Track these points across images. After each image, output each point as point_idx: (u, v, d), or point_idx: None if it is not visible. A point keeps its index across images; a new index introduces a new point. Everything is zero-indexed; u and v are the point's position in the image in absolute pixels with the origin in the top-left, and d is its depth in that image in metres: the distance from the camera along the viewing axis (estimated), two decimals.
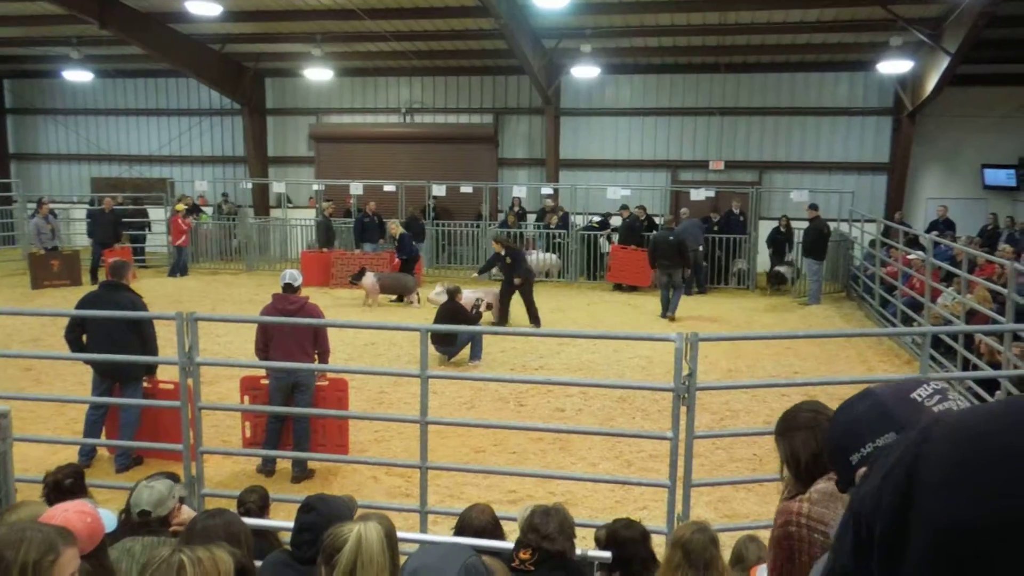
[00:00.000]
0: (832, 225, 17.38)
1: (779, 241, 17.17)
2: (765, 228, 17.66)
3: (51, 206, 17.72)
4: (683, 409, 4.55)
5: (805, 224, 15.82)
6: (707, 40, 18.12)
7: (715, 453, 7.51)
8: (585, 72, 18.69)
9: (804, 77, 19.35)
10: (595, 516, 5.66)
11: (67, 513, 2.39)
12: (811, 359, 11.20)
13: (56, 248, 16.95)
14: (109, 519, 2.81)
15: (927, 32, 15.62)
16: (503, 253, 13.18)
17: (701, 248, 16.49)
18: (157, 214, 19.93)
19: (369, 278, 14.42)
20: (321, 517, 2.82)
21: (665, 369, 9.59)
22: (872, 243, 15.22)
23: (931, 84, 16.54)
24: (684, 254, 13.97)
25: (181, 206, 18.41)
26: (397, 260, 15.47)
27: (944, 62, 15.59)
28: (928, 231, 15.74)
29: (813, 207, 15.86)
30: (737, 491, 6.63)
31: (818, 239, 15.33)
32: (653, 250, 14.14)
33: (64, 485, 3.78)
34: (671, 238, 13.92)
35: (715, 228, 17.65)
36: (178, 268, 17.81)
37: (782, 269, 16.64)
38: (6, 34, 19.50)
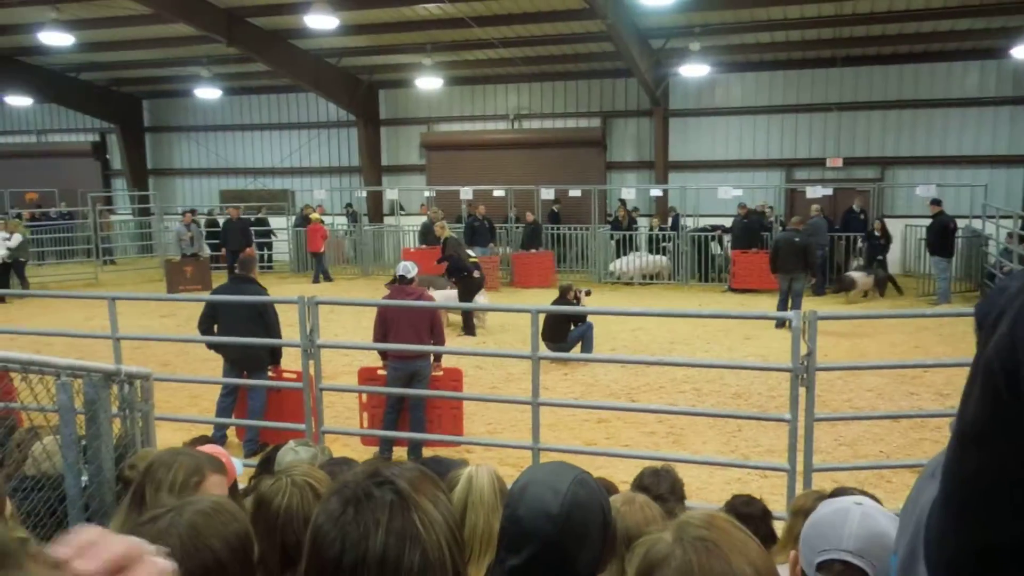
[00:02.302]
0: (964, 221, 16.49)
1: (874, 246, 16.20)
2: (889, 226, 16.84)
3: (192, 217, 18.98)
4: (802, 391, 4.39)
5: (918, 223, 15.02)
6: (822, 33, 17.52)
7: (838, 449, 7.21)
8: (694, 71, 18.37)
9: (929, 67, 18.37)
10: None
11: (204, 451, 2.55)
12: (944, 358, 10.58)
13: (196, 255, 18.04)
14: (239, 466, 2.97)
15: None
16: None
17: (826, 248, 15.84)
18: (279, 223, 20.91)
19: None
20: (437, 476, 2.89)
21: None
22: (1009, 237, 14.28)
23: None
24: (810, 258, 13.05)
25: (316, 215, 19.26)
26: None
27: None
28: None
29: (936, 202, 15.09)
30: (862, 487, 6.32)
31: (943, 235, 14.57)
32: (775, 253, 13.10)
33: None
34: (796, 239, 12.92)
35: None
36: (320, 273, 18.62)
37: (854, 274, 15.39)
38: (146, 56, 20.98)
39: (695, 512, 1.28)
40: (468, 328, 12.62)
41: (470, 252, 12.91)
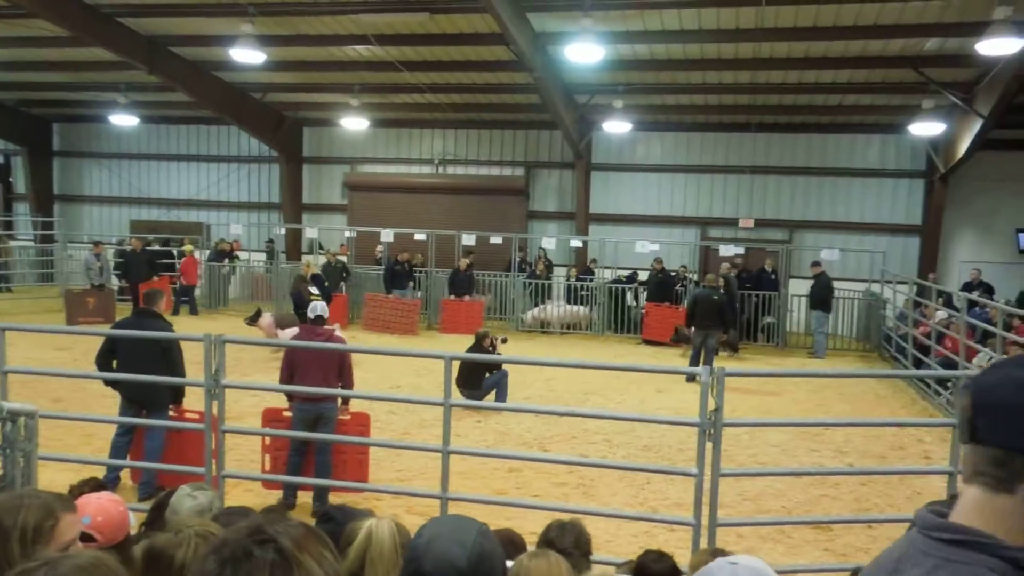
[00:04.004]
0: (863, 285, 17.36)
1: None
2: (796, 286, 17.55)
3: (104, 246, 18.47)
4: (708, 446, 4.46)
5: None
6: (739, 99, 18.33)
7: (742, 504, 7.34)
8: (617, 128, 18.91)
9: (836, 138, 19.40)
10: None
11: (100, 500, 2.39)
12: (843, 417, 10.97)
13: (103, 286, 17.33)
14: (131, 518, 2.81)
15: (959, 95, 15.66)
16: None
17: (736, 306, 16.32)
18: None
19: (266, 318, 14.15)
20: (339, 527, 2.79)
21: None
22: (906, 302, 15.06)
23: (964, 147, 16.50)
24: (727, 315, 13.49)
25: (189, 247, 19.22)
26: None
27: (977, 125, 15.59)
28: None
29: (816, 264, 16.44)
30: (764, 542, 6.45)
31: (826, 292, 15.94)
32: (692, 309, 13.37)
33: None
34: (715, 297, 13.25)
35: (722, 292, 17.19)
36: (183, 305, 18.44)
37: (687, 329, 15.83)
38: (59, 79, 20.29)
39: None
40: None
41: (313, 289, 13.15)
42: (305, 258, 16.87)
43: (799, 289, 17.43)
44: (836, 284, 16.71)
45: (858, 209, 19.40)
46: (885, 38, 13.96)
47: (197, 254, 19.67)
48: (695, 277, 18.35)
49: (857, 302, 17.46)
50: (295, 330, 13.08)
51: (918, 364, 12.92)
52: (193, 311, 18.55)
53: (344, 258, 19.28)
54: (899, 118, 17.85)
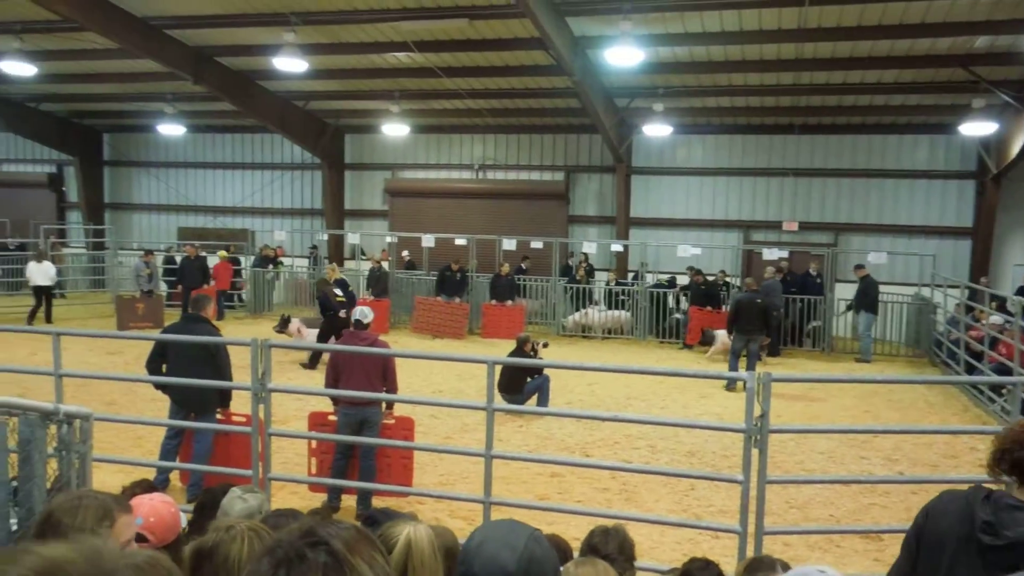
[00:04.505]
0: (913, 289, 16.98)
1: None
2: (841, 290, 17.24)
3: (155, 255, 18.93)
4: (755, 452, 4.39)
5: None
6: (781, 100, 18.08)
7: (789, 512, 7.22)
8: (657, 131, 18.78)
9: (882, 139, 19.03)
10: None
11: (153, 501, 2.44)
12: (892, 424, 10.74)
13: (152, 292, 17.69)
14: (183, 519, 2.86)
15: (1011, 94, 15.25)
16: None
17: (781, 310, 16.11)
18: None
19: (294, 324, 14.15)
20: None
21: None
22: (957, 307, 14.71)
23: (1016, 147, 16.04)
24: (769, 319, 13.31)
25: (223, 253, 19.59)
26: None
27: None
28: None
29: (860, 267, 16.25)
30: (812, 551, 6.34)
31: (873, 294, 15.87)
32: (736, 313, 13.10)
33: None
34: (758, 300, 13.05)
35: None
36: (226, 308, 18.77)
37: (716, 331, 15.56)
38: (109, 90, 20.83)
39: None
40: (311, 363, 13.41)
41: (338, 292, 13.36)
42: (332, 265, 16.95)
43: (845, 293, 17.10)
44: (884, 288, 16.46)
45: (906, 211, 18.99)
46: (933, 36, 13.65)
47: (242, 260, 19.98)
48: (736, 282, 18.14)
49: (906, 306, 17.09)
50: (316, 330, 13.41)
51: (970, 370, 12.58)
52: (219, 315, 18.72)
53: (385, 264, 19.45)
54: (948, 118, 17.44)
